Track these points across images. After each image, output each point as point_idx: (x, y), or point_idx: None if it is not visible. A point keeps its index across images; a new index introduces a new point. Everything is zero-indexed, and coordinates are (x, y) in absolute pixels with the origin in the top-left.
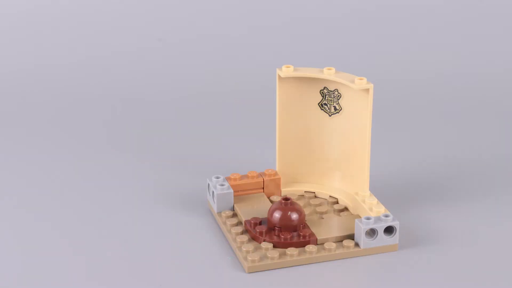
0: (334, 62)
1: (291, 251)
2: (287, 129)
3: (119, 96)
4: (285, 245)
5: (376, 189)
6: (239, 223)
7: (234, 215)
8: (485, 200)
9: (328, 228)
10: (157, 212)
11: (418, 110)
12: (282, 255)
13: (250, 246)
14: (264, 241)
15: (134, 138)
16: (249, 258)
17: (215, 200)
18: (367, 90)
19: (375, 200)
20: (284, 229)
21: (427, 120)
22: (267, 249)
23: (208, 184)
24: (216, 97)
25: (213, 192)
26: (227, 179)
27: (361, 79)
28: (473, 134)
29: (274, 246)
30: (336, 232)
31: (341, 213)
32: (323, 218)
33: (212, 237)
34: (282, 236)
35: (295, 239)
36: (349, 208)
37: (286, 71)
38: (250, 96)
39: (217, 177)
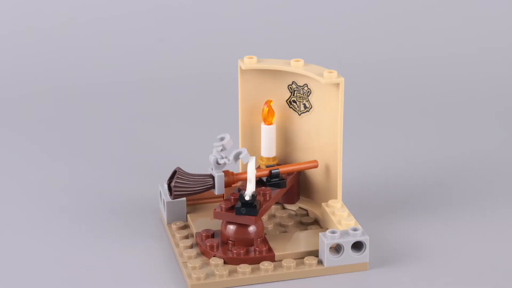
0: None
1: (243, 268)
2: (250, 128)
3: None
4: (238, 261)
5: (351, 197)
6: (190, 235)
7: (186, 226)
8: (465, 213)
9: (290, 243)
10: (102, 222)
11: (397, 112)
12: (232, 272)
13: (198, 261)
14: (214, 256)
15: (71, 142)
16: (194, 276)
17: (165, 209)
18: (337, 84)
19: (346, 212)
20: (238, 243)
21: (406, 124)
22: (216, 265)
23: (160, 191)
24: (172, 90)
25: (163, 200)
26: None
27: (331, 72)
28: (453, 139)
29: (225, 262)
30: (298, 248)
31: (309, 227)
32: (286, 232)
33: (159, 250)
34: (235, 251)
35: (249, 255)
36: (319, 221)
37: (248, 62)
38: (209, 92)
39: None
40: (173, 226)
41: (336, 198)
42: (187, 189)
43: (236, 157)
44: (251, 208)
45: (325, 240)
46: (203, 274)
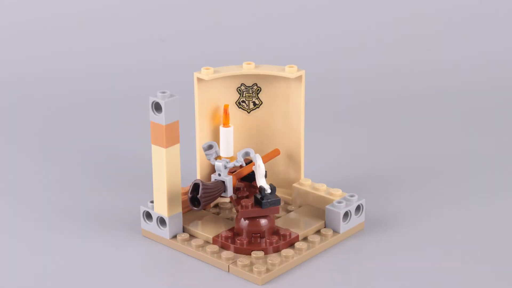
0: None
1: (286, 252)
2: (207, 134)
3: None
4: (275, 249)
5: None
6: (206, 243)
7: (191, 236)
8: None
9: (294, 224)
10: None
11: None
12: (281, 259)
13: (245, 259)
14: (252, 251)
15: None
16: (256, 270)
17: (167, 225)
18: (299, 77)
19: (324, 185)
20: (268, 233)
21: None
22: (258, 258)
23: (145, 212)
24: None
25: (159, 218)
26: None
27: (291, 67)
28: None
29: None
30: (305, 226)
31: (289, 207)
32: (279, 217)
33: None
34: (268, 241)
35: (281, 242)
36: (288, 201)
37: (207, 73)
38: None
39: (153, 202)
40: (179, 239)
41: (301, 178)
42: (210, 198)
43: (243, 158)
44: (273, 199)
45: (339, 210)
46: (263, 268)
